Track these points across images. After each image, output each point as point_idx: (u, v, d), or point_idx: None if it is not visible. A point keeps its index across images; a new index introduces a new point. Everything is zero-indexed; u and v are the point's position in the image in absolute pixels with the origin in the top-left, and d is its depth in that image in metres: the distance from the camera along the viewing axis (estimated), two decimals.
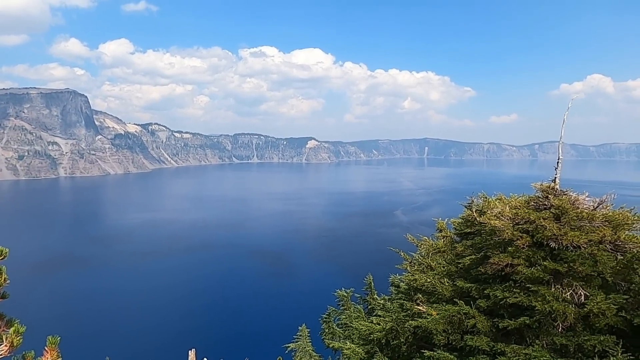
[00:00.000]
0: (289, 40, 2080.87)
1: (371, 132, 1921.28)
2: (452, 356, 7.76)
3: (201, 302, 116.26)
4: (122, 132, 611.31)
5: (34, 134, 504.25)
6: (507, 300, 7.63)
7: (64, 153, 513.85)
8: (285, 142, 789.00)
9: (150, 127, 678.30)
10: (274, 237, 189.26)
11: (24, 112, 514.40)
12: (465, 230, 10.45)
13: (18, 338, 5.14)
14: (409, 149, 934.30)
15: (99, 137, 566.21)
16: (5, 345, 5.11)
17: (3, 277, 5.34)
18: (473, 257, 8.86)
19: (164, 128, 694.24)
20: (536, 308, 7.30)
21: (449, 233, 11.53)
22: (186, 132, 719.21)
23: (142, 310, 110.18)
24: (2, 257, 5.32)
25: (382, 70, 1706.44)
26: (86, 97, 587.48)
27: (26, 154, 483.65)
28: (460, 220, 11.00)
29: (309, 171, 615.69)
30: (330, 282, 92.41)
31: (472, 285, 8.36)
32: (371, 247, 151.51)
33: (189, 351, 10.54)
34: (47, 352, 5.30)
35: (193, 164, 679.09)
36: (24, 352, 5.43)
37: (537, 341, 7.42)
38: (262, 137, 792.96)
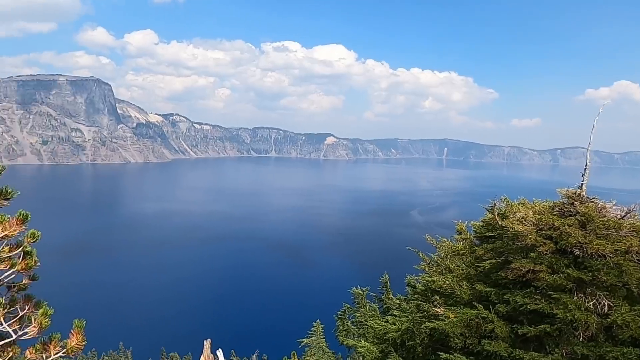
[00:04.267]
0: (312, 35, 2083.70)
1: (390, 130, 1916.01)
2: None
3: (217, 293, 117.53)
4: (144, 122, 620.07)
5: (59, 120, 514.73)
6: (528, 306, 7.52)
7: (87, 140, 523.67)
8: (303, 138, 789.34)
9: (171, 117, 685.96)
10: (291, 232, 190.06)
11: (49, 98, 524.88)
12: (486, 234, 10.31)
13: (46, 320, 5.24)
14: (427, 149, 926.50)
15: (121, 125, 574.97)
16: (34, 327, 5.22)
17: (34, 260, 5.41)
18: (493, 261, 8.75)
19: (184, 119, 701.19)
20: (557, 316, 7.19)
21: (468, 236, 11.39)
22: (206, 124, 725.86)
23: (159, 300, 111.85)
24: (34, 239, 5.41)
25: (404, 69, 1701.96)
26: (110, 85, 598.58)
27: (50, 139, 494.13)
28: (480, 224, 10.84)
29: (326, 168, 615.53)
30: (345, 279, 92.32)
31: (492, 289, 8.27)
32: (386, 246, 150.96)
33: (205, 341, 10.68)
34: (73, 335, 5.37)
35: (212, 156, 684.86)
36: (50, 334, 5.50)
37: (556, 349, 7.31)
38: (280, 131, 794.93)
